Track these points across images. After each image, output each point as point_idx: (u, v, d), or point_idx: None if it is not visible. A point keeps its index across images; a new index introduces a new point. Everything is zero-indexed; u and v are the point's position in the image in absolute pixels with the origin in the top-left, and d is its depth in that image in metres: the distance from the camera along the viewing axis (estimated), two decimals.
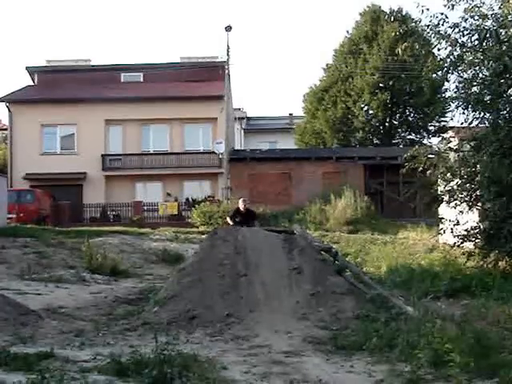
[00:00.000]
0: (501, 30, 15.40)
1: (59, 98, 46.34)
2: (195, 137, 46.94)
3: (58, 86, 47.75)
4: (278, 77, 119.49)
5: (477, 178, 16.14)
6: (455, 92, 16.55)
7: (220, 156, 44.50)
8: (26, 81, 52.30)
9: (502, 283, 13.21)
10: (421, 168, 17.17)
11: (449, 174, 16.81)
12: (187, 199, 43.67)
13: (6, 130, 50.20)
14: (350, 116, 53.87)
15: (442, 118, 52.04)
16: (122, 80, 50.34)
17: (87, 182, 45.60)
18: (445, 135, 19.57)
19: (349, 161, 43.83)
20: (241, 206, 18.55)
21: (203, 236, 23.62)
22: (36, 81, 50.68)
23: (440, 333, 7.80)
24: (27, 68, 51.00)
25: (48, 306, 12.61)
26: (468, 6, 15.77)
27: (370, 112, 53.81)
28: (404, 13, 52.99)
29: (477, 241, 16.27)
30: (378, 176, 43.50)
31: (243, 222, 17.44)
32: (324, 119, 54.61)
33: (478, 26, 15.68)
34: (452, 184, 16.76)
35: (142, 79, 50.57)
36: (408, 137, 55.78)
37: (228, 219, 18.82)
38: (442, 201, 17.45)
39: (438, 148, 18.20)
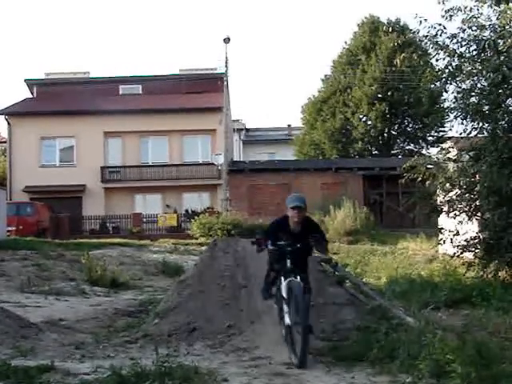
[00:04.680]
0: (499, 41, 15.42)
1: (58, 111, 46.51)
2: (194, 148, 47.10)
3: (57, 98, 47.90)
4: (277, 88, 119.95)
5: (476, 188, 16.13)
6: (454, 102, 16.56)
7: (219, 167, 44.59)
8: (25, 93, 52.58)
9: (502, 293, 13.17)
10: (420, 178, 17.16)
11: (448, 185, 16.81)
12: (186, 211, 43.75)
13: (5, 142, 50.34)
14: (348, 127, 54.07)
15: (441, 129, 52.37)
16: (121, 92, 50.51)
17: (86, 194, 45.70)
18: (443, 145, 19.58)
19: (348, 172, 43.92)
20: (293, 213, 9.34)
21: (203, 247, 23.66)
22: (35, 93, 50.86)
23: (441, 343, 7.79)
24: (26, 81, 51.17)
25: (48, 318, 12.58)
26: (466, 16, 15.81)
27: (369, 123, 53.99)
28: (402, 23, 53.26)
29: (476, 251, 16.25)
30: (377, 186, 43.57)
31: (296, 244, 9.08)
32: (323, 130, 54.78)
33: (476, 36, 15.72)
34: (451, 194, 16.76)
35: (140, 91, 50.75)
36: (407, 147, 55.98)
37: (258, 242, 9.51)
38: (441, 211, 17.43)
39: (437, 158, 18.19)
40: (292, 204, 9.49)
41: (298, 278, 8.90)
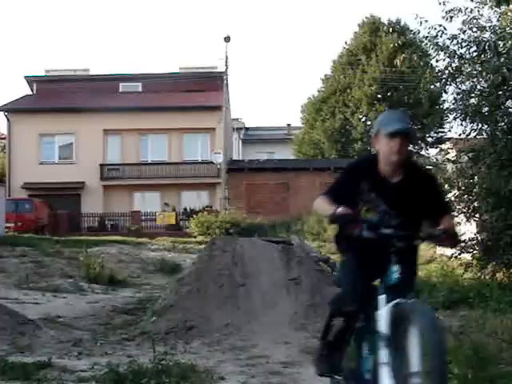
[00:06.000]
0: (499, 42, 15.41)
1: (58, 108, 46.42)
2: (193, 147, 47.07)
3: (57, 95, 47.81)
4: (277, 87, 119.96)
5: (475, 190, 16.14)
6: (453, 103, 16.54)
7: (218, 166, 44.57)
8: (25, 90, 52.47)
9: (499, 294, 13.16)
10: None
11: (446, 186, 16.78)
12: (185, 209, 43.73)
13: (4, 139, 50.32)
14: (348, 127, 54.00)
15: (440, 130, 52.26)
16: (121, 90, 50.45)
17: (85, 192, 45.67)
18: (442, 146, 19.60)
19: None
20: (392, 144, 4.66)
21: (201, 246, 23.65)
22: (35, 90, 50.80)
23: None
24: (26, 77, 51.11)
25: (46, 315, 12.58)
26: (466, 17, 15.78)
27: (368, 123, 53.87)
28: (402, 24, 53.12)
29: (474, 252, 16.25)
30: None
31: (408, 229, 4.62)
32: (322, 130, 54.70)
33: (476, 37, 15.71)
34: (450, 195, 16.74)
35: (140, 89, 50.70)
36: None
37: (322, 200, 4.93)
38: None
39: (436, 159, 18.20)
40: (391, 127, 4.75)
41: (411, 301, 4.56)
